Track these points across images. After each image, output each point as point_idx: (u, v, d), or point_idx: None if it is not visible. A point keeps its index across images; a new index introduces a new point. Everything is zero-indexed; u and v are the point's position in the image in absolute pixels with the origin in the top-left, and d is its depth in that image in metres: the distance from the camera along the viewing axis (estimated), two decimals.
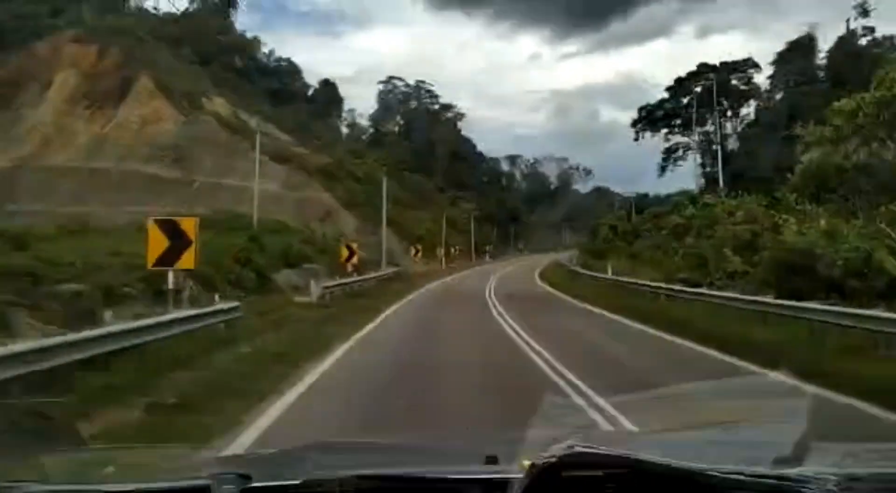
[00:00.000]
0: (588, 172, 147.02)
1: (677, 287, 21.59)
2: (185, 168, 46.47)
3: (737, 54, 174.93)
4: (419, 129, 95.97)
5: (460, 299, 26.68)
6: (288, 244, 30.23)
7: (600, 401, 7.14)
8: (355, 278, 27.41)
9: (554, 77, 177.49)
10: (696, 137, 73.33)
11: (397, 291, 28.26)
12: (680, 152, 75.88)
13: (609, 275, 31.46)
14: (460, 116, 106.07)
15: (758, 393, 2.26)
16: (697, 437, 1.88)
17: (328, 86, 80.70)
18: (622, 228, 57.90)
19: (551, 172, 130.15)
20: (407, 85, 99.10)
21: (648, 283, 24.18)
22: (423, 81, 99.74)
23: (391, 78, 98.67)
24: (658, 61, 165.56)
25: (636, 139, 79.05)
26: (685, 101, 74.35)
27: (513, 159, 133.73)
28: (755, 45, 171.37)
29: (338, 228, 44.81)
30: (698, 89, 73.54)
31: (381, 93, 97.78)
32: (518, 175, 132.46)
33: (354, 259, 27.94)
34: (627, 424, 3.72)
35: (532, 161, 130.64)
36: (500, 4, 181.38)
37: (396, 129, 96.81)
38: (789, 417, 1.69)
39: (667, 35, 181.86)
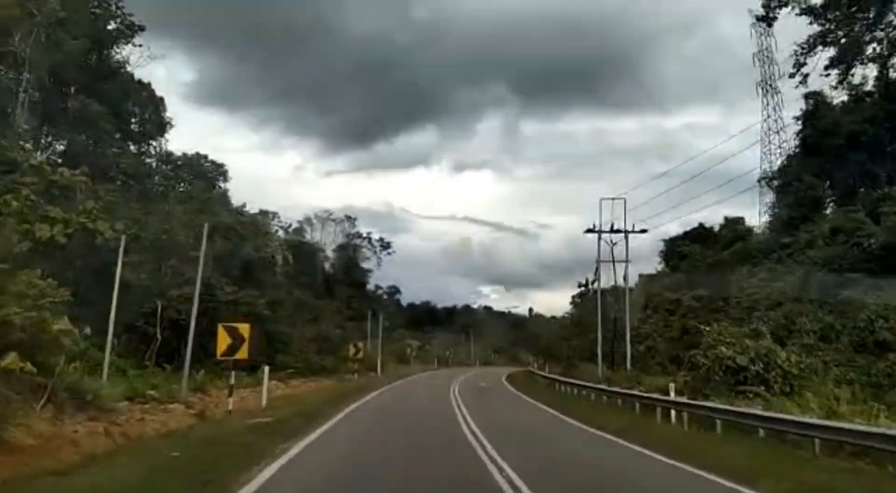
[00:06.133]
0: (386, 246, 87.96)
1: None
2: None
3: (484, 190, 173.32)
4: None
5: None
6: None
7: None
8: None
9: (316, 194, 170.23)
10: None
11: None
12: None
13: None
14: None
15: None
16: None
17: None
18: None
19: (328, 239, 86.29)
20: None
21: None
22: None
23: None
24: (416, 192, 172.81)
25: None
26: None
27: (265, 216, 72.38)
28: (500, 187, 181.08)
29: None
30: None
31: None
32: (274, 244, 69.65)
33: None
34: None
35: (296, 225, 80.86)
36: (266, 109, 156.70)
37: None
38: None
39: (426, 165, 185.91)
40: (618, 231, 33.70)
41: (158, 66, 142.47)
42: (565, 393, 29.67)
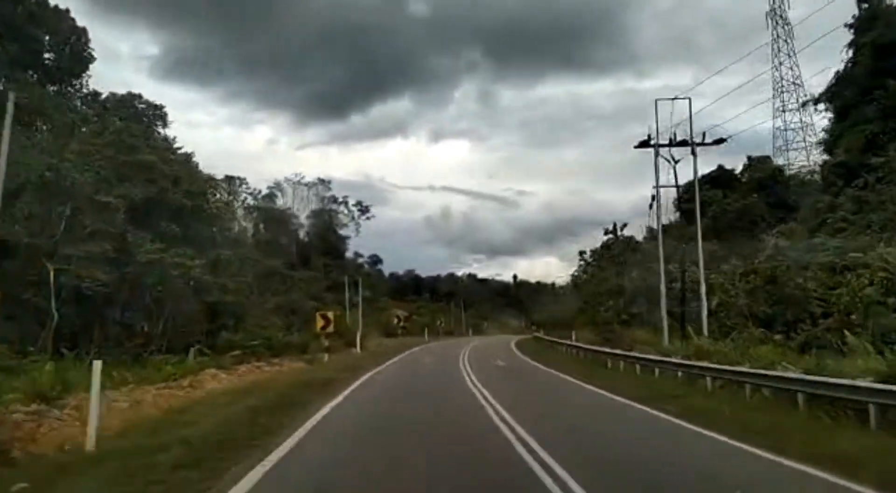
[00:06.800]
0: (364, 210, 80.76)
1: None
2: None
3: (462, 158, 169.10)
4: None
5: None
6: None
7: None
8: None
9: (292, 167, 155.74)
10: None
11: None
12: None
13: None
14: None
15: None
16: None
17: None
18: None
19: (301, 206, 78.72)
20: None
21: None
22: None
23: None
24: (394, 162, 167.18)
25: None
26: None
27: (232, 182, 64.94)
28: (478, 155, 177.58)
29: None
30: None
31: None
32: (241, 211, 62.79)
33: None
34: None
35: (264, 192, 73.62)
36: (235, 83, 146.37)
37: None
38: None
39: (404, 135, 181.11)
40: (682, 143, 24.03)
41: (121, 42, 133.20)
42: (626, 371, 21.53)
